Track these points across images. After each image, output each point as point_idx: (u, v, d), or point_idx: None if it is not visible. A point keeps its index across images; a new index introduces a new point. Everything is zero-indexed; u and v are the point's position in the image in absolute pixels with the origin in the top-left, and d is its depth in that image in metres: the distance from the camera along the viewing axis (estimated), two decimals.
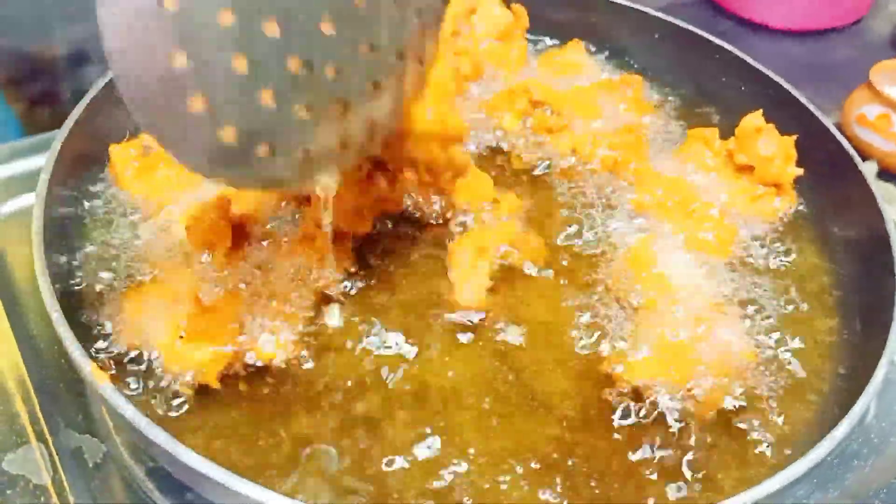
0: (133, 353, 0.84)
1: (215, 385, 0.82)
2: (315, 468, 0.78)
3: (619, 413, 0.84)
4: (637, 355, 0.87)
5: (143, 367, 0.83)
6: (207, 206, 0.89)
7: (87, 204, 0.99)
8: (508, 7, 1.27)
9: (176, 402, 0.81)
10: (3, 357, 0.96)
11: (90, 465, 0.89)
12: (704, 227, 0.99)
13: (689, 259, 0.97)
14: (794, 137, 1.03)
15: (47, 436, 0.90)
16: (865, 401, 0.76)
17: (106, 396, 0.72)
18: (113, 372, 0.81)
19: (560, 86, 1.22)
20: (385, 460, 0.79)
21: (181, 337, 0.81)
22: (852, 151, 0.99)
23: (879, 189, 0.97)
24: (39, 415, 0.92)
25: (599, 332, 0.91)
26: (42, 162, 0.91)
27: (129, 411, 0.71)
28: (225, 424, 0.81)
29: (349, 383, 0.85)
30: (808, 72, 1.76)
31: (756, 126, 1.02)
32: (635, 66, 1.29)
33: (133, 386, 0.82)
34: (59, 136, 0.93)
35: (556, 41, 1.33)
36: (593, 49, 1.31)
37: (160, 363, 0.82)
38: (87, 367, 0.74)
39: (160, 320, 0.84)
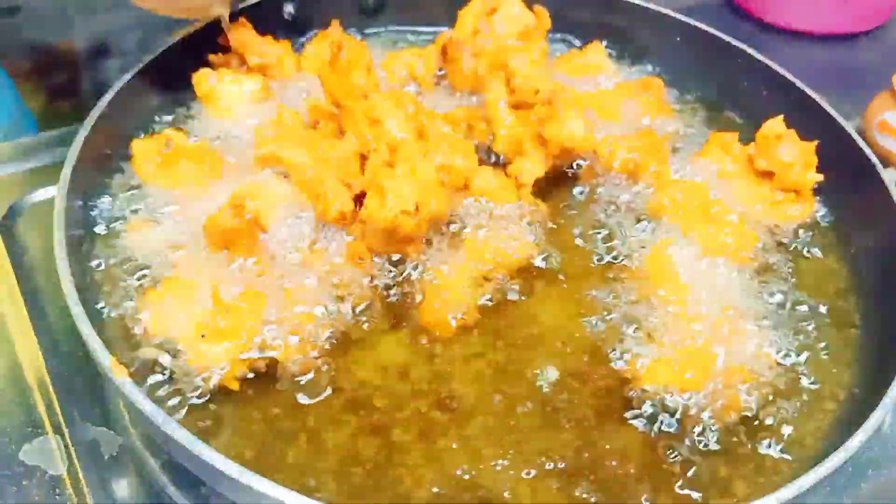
0: (154, 352, 0.84)
1: (234, 386, 0.82)
2: (331, 468, 0.78)
3: (634, 416, 0.84)
4: (653, 359, 0.87)
5: (165, 366, 0.83)
6: (223, 206, 0.90)
7: (108, 198, 0.99)
8: (530, 8, 1.26)
9: (193, 398, 0.82)
10: (22, 349, 0.97)
11: (106, 457, 0.90)
12: (724, 233, 0.99)
13: (707, 264, 0.97)
14: (815, 143, 1.03)
15: (64, 428, 0.91)
16: (881, 413, 0.76)
17: (125, 392, 0.73)
18: (134, 368, 0.81)
19: (581, 87, 1.21)
20: (401, 459, 0.79)
21: (203, 336, 0.81)
22: (874, 158, 0.99)
23: None
24: (56, 406, 0.93)
25: (617, 336, 0.91)
26: (64, 155, 0.92)
27: (148, 406, 0.72)
28: (242, 422, 0.81)
29: (366, 385, 0.85)
30: (829, 76, 1.75)
31: (776, 132, 1.02)
32: (656, 69, 1.28)
33: (152, 382, 0.82)
34: (83, 129, 0.94)
35: (577, 42, 1.33)
36: (613, 52, 1.31)
37: (183, 362, 0.83)
38: (107, 362, 0.74)
39: (182, 318, 0.84)
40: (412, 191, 0.90)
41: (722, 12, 1.95)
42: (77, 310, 0.77)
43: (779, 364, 0.89)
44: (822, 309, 0.96)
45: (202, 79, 1.09)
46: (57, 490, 0.86)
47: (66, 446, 0.90)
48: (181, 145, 1.00)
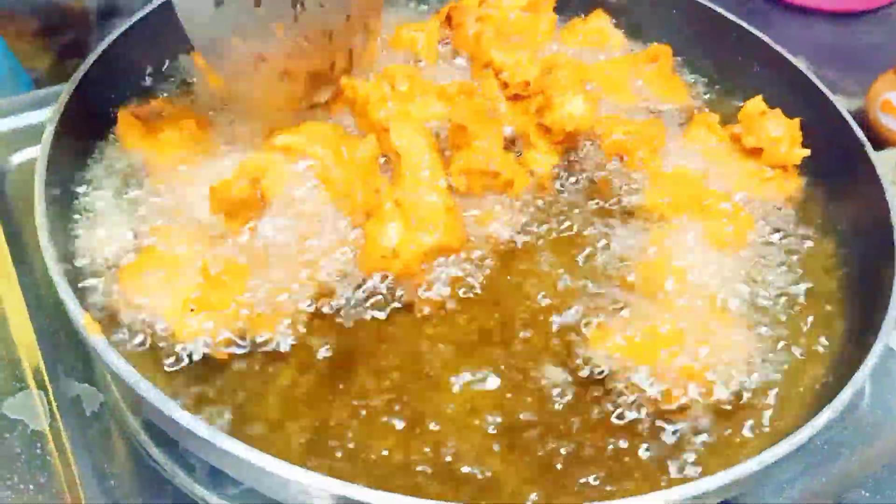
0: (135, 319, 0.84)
1: (221, 356, 0.83)
2: (303, 439, 0.79)
3: (612, 404, 0.83)
4: (634, 341, 0.86)
5: (147, 332, 0.84)
6: (238, 173, 0.89)
7: (91, 162, 0.99)
8: None
9: (169, 362, 0.82)
10: (8, 304, 0.98)
11: (87, 413, 0.92)
12: (715, 216, 0.98)
13: (697, 247, 0.96)
14: (799, 119, 1.03)
15: (47, 383, 0.93)
16: (849, 392, 0.76)
17: (98, 350, 0.74)
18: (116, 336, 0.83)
19: (587, 59, 1.20)
20: (367, 433, 0.80)
21: (192, 310, 0.82)
22: (862, 136, 0.98)
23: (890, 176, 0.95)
24: (41, 362, 0.94)
25: (598, 319, 0.89)
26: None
27: (121, 365, 0.72)
28: (221, 386, 0.82)
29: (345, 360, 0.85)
30: (835, 54, 1.73)
31: (760, 109, 1.02)
32: (652, 42, 1.26)
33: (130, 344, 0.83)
34: (67, 88, 0.94)
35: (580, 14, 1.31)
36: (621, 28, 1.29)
37: (167, 331, 0.83)
38: (81, 319, 0.75)
39: (165, 287, 0.85)
40: (396, 232, 0.89)
41: None
42: (54, 266, 0.78)
43: (764, 348, 0.89)
44: (809, 286, 0.95)
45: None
46: (38, 444, 0.88)
47: (48, 401, 0.91)
48: (167, 114, 1.00)
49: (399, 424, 0.80)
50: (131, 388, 0.71)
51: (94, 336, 0.75)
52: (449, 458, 0.78)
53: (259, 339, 0.84)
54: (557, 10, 1.24)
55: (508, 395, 0.83)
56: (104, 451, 0.89)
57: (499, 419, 0.81)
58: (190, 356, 0.82)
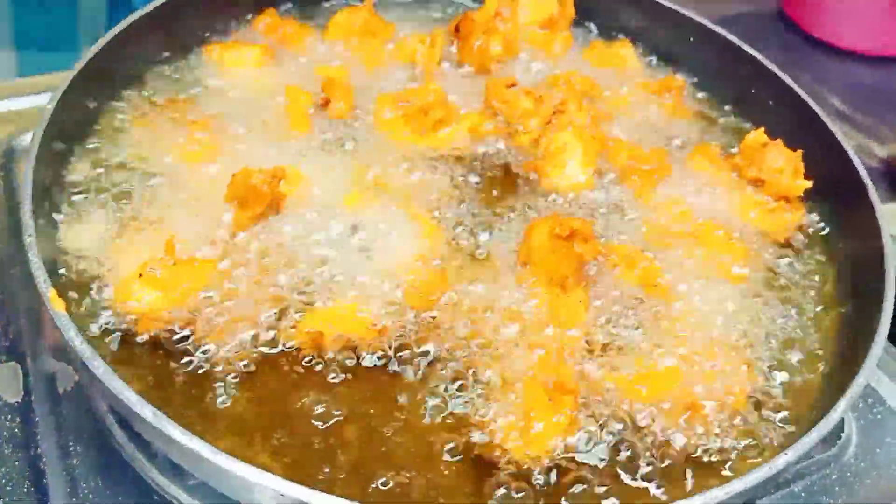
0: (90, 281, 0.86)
1: (140, 332, 0.82)
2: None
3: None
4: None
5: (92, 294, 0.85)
6: (263, 169, 0.90)
7: (94, 141, 1.01)
8: None
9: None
10: (5, 281, 1.00)
11: (60, 391, 0.92)
12: (712, 246, 0.97)
13: (694, 276, 0.94)
14: (800, 152, 1.02)
15: (27, 358, 0.94)
16: (815, 436, 0.73)
17: (60, 325, 0.74)
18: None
19: (602, 80, 1.19)
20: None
21: (140, 276, 0.82)
22: (867, 180, 0.95)
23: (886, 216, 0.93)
24: (23, 337, 0.95)
25: (598, 351, 0.87)
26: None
27: (79, 344, 0.73)
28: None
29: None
30: (871, 98, 1.70)
31: (761, 141, 1.01)
32: (676, 71, 1.25)
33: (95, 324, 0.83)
34: (69, 75, 0.96)
35: (602, 36, 1.31)
36: (639, 51, 1.28)
37: (109, 294, 0.84)
38: (47, 293, 0.76)
39: (130, 255, 0.86)
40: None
41: (773, 22, 1.91)
42: (29, 240, 0.79)
43: (755, 387, 0.86)
44: (800, 322, 0.94)
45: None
46: (9, 416, 0.89)
47: (25, 376, 0.93)
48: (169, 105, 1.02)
49: None
50: (86, 365, 0.72)
51: (58, 311, 0.75)
52: None
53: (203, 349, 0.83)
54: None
55: None
56: (71, 430, 0.89)
57: None
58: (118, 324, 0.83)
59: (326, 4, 1.29)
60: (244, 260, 0.89)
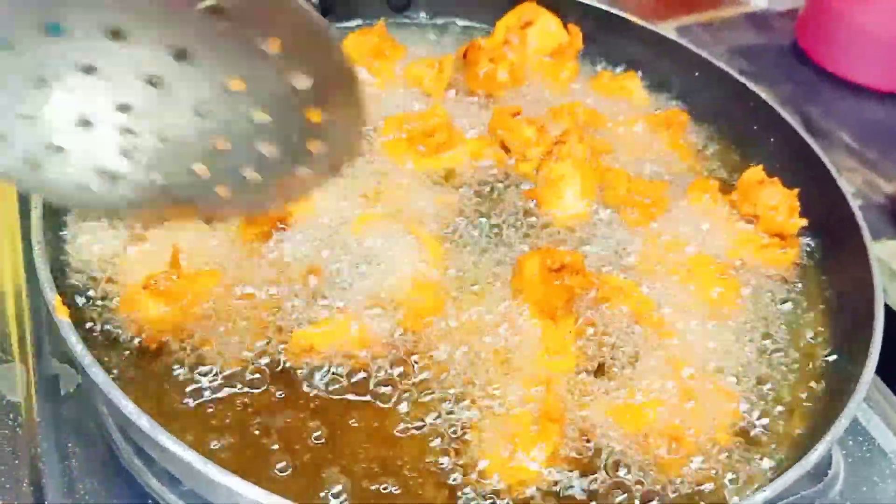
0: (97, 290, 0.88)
1: (145, 344, 0.85)
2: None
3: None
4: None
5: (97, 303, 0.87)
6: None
7: None
8: (565, 26, 1.27)
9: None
10: (8, 279, 1.02)
11: (62, 392, 0.95)
12: (705, 280, 0.98)
13: (685, 310, 0.95)
14: (797, 190, 1.03)
15: (30, 358, 0.96)
16: (793, 474, 0.74)
17: (62, 331, 0.77)
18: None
19: (606, 111, 1.21)
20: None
21: (145, 287, 0.85)
22: (862, 222, 0.97)
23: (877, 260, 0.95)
24: (28, 337, 0.98)
25: (586, 381, 0.88)
26: None
27: (79, 347, 0.75)
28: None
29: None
30: (879, 134, 1.71)
31: (758, 178, 1.03)
32: (680, 104, 1.27)
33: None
34: None
35: (609, 66, 1.33)
36: (645, 83, 1.30)
37: (114, 303, 0.87)
38: (52, 300, 0.78)
39: (137, 266, 0.88)
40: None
41: (786, 55, 1.92)
42: (38, 248, 0.82)
43: (738, 414, 0.88)
44: (787, 359, 0.95)
45: None
46: (11, 415, 0.92)
47: (28, 376, 0.95)
48: None
49: None
50: (86, 371, 0.74)
51: (62, 318, 0.78)
52: None
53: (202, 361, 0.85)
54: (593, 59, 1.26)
55: None
56: (70, 431, 0.92)
57: None
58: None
59: (343, 25, 1.31)
60: (248, 276, 0.91)
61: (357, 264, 0.94)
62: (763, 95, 1.14)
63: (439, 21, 1.37)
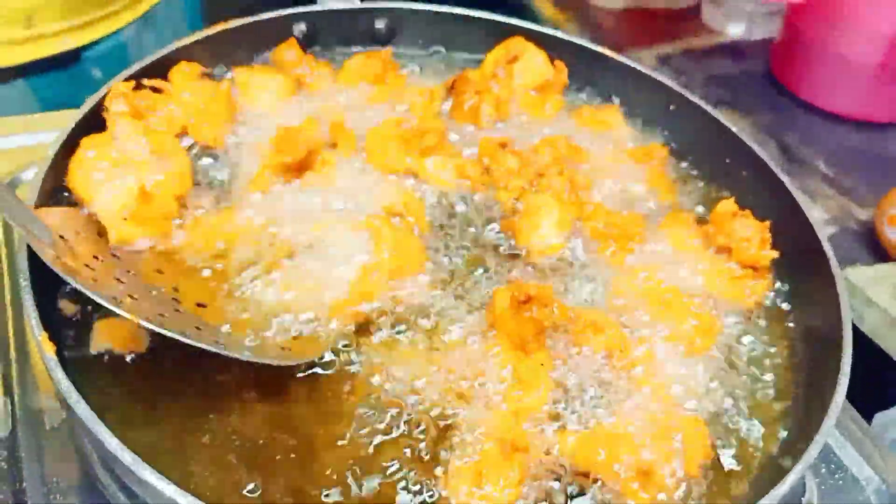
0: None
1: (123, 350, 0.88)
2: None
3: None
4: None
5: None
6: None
7: None
8: (552, 61, 1.29)
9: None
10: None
11: (47, 427, 0.95)
12: (678, 313, 0.99)
13: (658, 344, 0.97)
14: (768, 223, 1.05)
15: (16, 391, 0.97)
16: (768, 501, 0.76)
17: (49, 367, 0.78)
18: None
19: (587, 144, 1.23)
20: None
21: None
22: (830, 252, 0.99)
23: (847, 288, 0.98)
24: (13, 371, 0.99)
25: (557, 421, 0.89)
26: None
27: (65, 384, 0.76)
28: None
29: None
30: (855, 161, 1.75)
31: (731, 210, 1.05)
32: (660, 138, 1.29)
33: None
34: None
35: (591, 100, 1.35)
36: (626, 117, 1.31)
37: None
38: (38, 336, 0.80)
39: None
40: None
41: (762, 84, 1.96)
42: (25, 284, 0.83)
43: (708, 447, 0.88)
44: (758, 394, 0.96)
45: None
46: None
47: (13, 409, 0.96)
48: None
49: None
50: (71, 408, 0.75)
51: (48, 355, 0.79)
52: None
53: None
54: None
55: None
56: (55, 465, 0.92)
57: None
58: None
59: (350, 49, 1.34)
60: None
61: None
62: (734, 129, 1.16)
63: (430, 50, 1.38)
